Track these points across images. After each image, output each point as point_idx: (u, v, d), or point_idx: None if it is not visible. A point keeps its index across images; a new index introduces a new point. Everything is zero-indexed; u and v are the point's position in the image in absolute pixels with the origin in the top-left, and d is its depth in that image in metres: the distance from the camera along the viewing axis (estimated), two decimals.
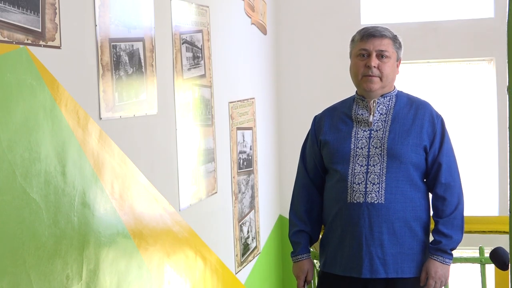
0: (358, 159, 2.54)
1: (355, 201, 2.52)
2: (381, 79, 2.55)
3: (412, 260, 2.53)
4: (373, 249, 2.50)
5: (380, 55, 2.54)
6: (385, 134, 2.53)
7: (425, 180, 2.59)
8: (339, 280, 2.60)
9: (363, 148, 2.54)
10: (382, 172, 2.50)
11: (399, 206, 2.49)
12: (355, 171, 2.53)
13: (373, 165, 2.51)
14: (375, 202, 2.49)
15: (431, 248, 2.54)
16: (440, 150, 2.53)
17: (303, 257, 2.71)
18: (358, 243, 2.52)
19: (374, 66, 2.53)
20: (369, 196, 2.50)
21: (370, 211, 2.49)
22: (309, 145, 2.74)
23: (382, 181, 2.50)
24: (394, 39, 2.58)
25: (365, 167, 2.52)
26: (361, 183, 2.52)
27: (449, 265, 2.54)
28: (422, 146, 2.52)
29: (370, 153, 2.53)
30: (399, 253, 2.51)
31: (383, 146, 2.52)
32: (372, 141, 2.54)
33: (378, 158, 2.52)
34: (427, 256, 2.55)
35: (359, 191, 2.51)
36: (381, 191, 2.49)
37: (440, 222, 2.53)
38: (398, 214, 2.49)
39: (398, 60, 2.61)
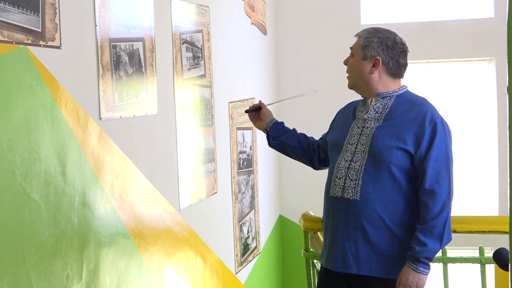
0: (345, 154, 2.59)
1: (335, 195, 2.57)
2: (348, 77, 2.66)
3: (391, 262, 2.48)
4: (347, 244, 2.51)
5: (350, 54, 2.67)
6: (371, 132, 2.54)
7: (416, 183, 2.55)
8: (327, 273, 2.66)
9: (353, 144, 2.58)
10: (361, 169, 2.51)
11: (377, 205, 2.46)
12: (340, 166, 2.58)
13: (355, 161, 2.54)
14: (351, 198, 2.51)
15: (407, 254, 2.45)
16: (427, 156, 2.43)
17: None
18: (334, 236, 2.56)
19: (344, 63, 2.68)
20: (346, 192, 2.53)
21: (347, 206, 2.52)
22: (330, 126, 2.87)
23: (359, 178, 2.50)
24: (365, 38, 2.57)
25: (348, 162, 2.56)
26: (341, 177, 2.55)
27: (423, 274, 2.42)
28: (402, 148, 2.46)
29: (356, 150, 2.56)
30: (373, 252, 2.48)
31: (367, 144, 2.53)
32: (361, 138, 2.56)
33: (361, 155, 2.53)
34: None
35: (339, 185, 2.55)
36: (357, 188, 2.50)
37: (418, 228, 2.43)
38: (374, 213, 2.46)
39: (368, 59, 2.56)
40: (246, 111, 2.99)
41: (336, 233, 2.54)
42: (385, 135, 2.50)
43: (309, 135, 2.96)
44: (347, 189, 2.52)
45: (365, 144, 2.53)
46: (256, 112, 2.95)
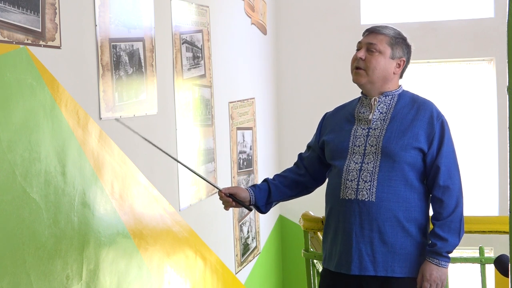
0: (354, 157, 2.55)
1: (347, 198, 2.53)
2: (367, 72, 2.55)
3: (405, 260, 2.51)
4: (363, 246, 2.51)
5: (369, 49, 2.56)
6: (381, 133, 2.53)
7: (424, 181, 2.58)
8: (334, 277, 2.62)
9: (360, 146, 2.55)
10: (375, 170, 2.50)
11: (392, 205, 2.48)
12: (350, 168, 2.54)
13: (367, 163, 2.52)
14: (366, 199, 2.49)
15: (427, 250, 2.52)
16: (439, 153, 2.50)
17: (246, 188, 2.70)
18: (348, 239, 2.53)
19: (361, 58, 2.55)
20: (360, 194, 2.50)
21: (361, 208, 2.50)
22: (314, 138, 2.78)
23: (374, 179, 2.50)
24: (394, 37, 2.57)
25: (359, 164, 2.53)
26: (353, 180, 2.52)
27: (445, 267, 2.51)
28: (417, 147, 2.50)
29: (366, 151, 2.54)
30: (389, 252, 2.50)
31: (378, 144, 2.52)
32: (369, 139, 2.55)
33: (373, 156, 2.52)
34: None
35: (351, 188, 2.52)
36: (372, 189, 2.49)
37: (437, 224, 2.50)
38: (389, 213, 2.48)
39: (396, 58, 2.57)
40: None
41: (350, 236, 2.52)
42: (397, 135, 2.51)
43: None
44: (361, 191, 2.50)
45: (375, 145, 2.52)
46: (231, 199, 2.69)
